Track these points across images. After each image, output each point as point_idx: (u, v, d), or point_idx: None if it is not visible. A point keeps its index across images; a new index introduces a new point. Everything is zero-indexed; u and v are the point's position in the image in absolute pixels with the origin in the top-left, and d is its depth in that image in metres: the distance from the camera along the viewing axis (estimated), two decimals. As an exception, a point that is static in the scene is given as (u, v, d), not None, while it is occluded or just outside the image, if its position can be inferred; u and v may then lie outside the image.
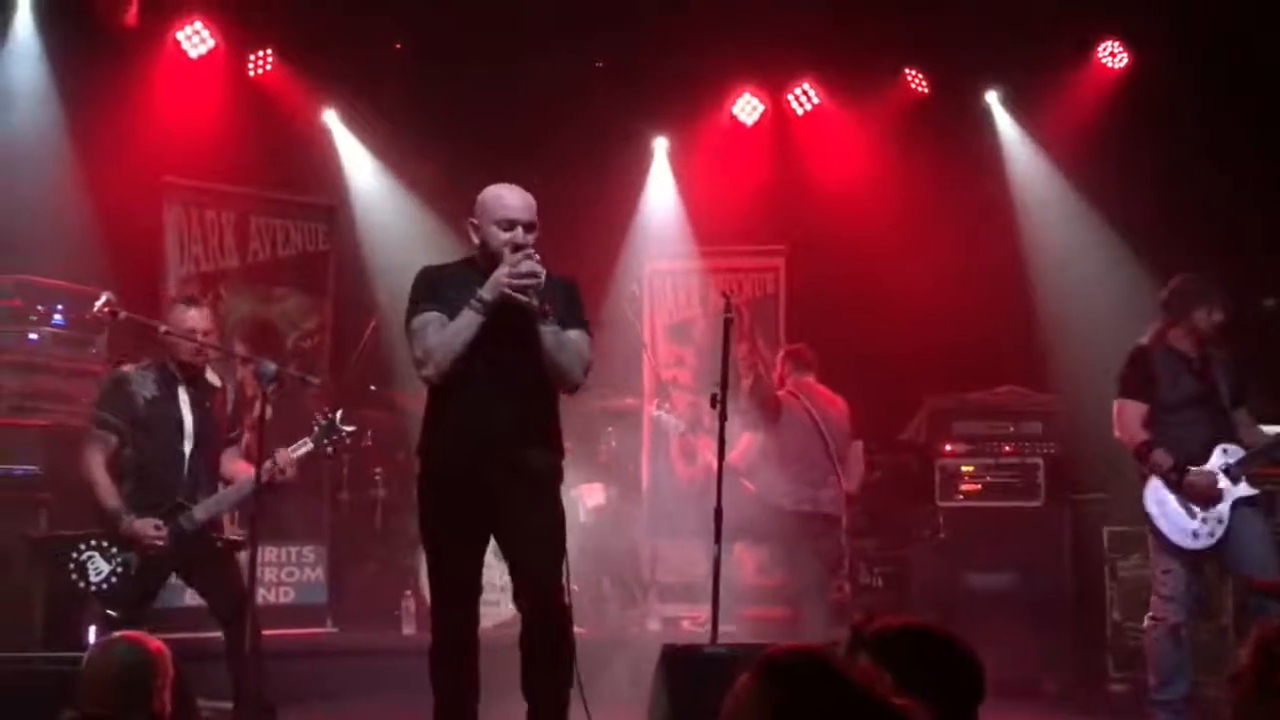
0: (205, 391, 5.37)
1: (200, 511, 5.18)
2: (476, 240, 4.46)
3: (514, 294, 4.25)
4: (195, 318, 5.30)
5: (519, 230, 4.36)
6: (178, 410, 5.27)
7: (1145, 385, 5.66)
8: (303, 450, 5.32)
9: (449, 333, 4.36)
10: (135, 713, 3.23)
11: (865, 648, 2.58)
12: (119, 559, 5.09)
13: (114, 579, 5.07)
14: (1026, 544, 7.19)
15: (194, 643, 5.27)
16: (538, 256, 4.28)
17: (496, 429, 4.35)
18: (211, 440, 5.34)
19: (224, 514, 5.47)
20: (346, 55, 8.33)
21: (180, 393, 5.29)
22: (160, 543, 5.10)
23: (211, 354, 5.47)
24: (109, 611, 4.97)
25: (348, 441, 5.44)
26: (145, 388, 5.26)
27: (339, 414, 5.39)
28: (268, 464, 5.14)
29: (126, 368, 5.38)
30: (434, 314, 4.38)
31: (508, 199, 4.43)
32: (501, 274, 4.27)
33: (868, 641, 2.60)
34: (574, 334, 4.47)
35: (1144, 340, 5.79)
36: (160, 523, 5.11)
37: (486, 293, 4.27)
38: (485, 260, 4.43)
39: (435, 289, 4.44)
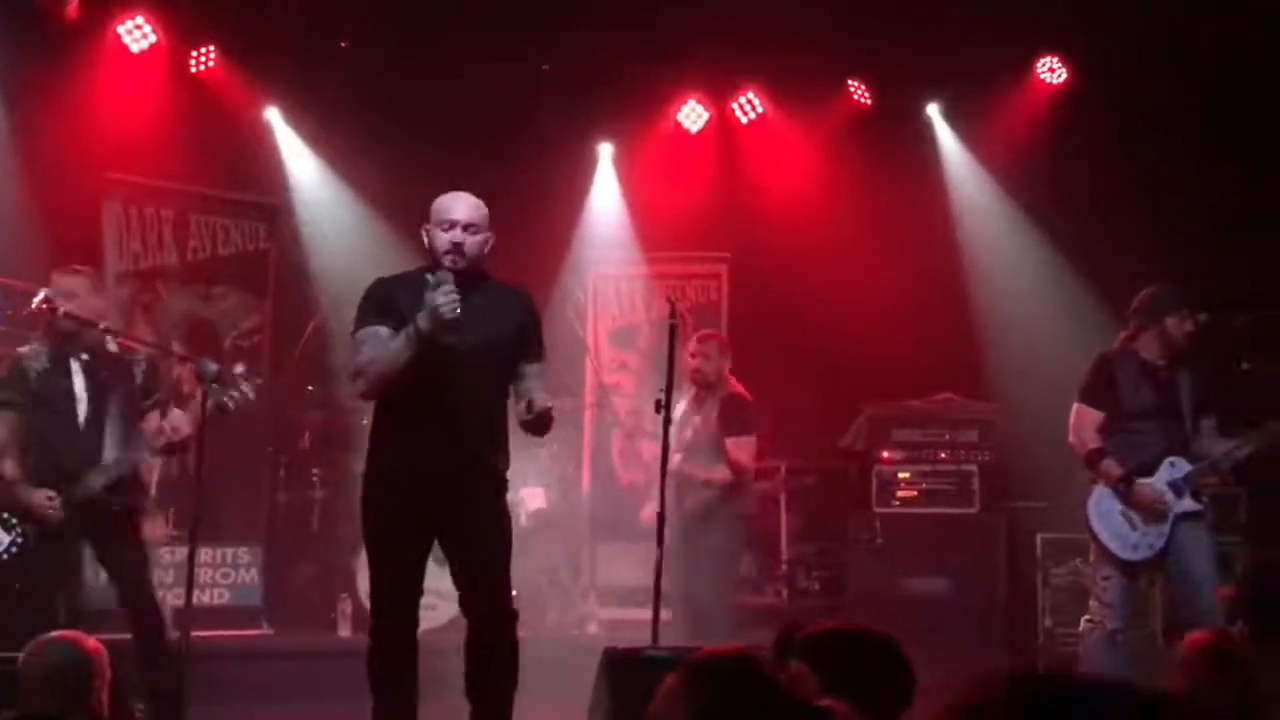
0: (102, 361, 5.37)
1: (93, 478, 5.17)
2: (427, 246, 4.50)
3: (443, 330, 4.26)
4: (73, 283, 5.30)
5: (457, 230, 4.41)
6: (69, 381, 5.29)
7: (1105, 392, 5.71)
8: (194, 408, 5.29)
9: (383, 357, 4.38)
10: (74, 713, 3.20)
11: (796, 651, 2.62)
12: (18, 529, 5.12)
13: (14, 549, 5.10)
14: (961, 550, 7.30)
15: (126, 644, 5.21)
16: (448, 285, 4.24)
17: (443, 451, 4.37)
18: (108, 409, 5.32)
19: (123, 477, 5.32)
20: (290, 53, 8.26)
21: (72, 364, 5.30)
22: (52, 512, 5.11)
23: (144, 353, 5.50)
24: (16, 585, 5.05)
25: (250, 398, 5.36)
26: (37, 362, 5.29)
27: (239, 368, 5.39)
28: (164, 425, 5.23)
29: (23, 349, 5.40)
30: (374, 330, 4.41)
31: (450, 203, 4.49)
32: (430, 307, 4.24)
33: (799, 645, 2.65)
34: (536, 383, 4.50)
35: (1110, 347, 5.85)
36: (53, 493, 5.13)
37: (423, 322, 4.26)
38: (432, 270, 4.45)
39: (387, 300, 4.45)
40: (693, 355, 6.56)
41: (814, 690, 2.07)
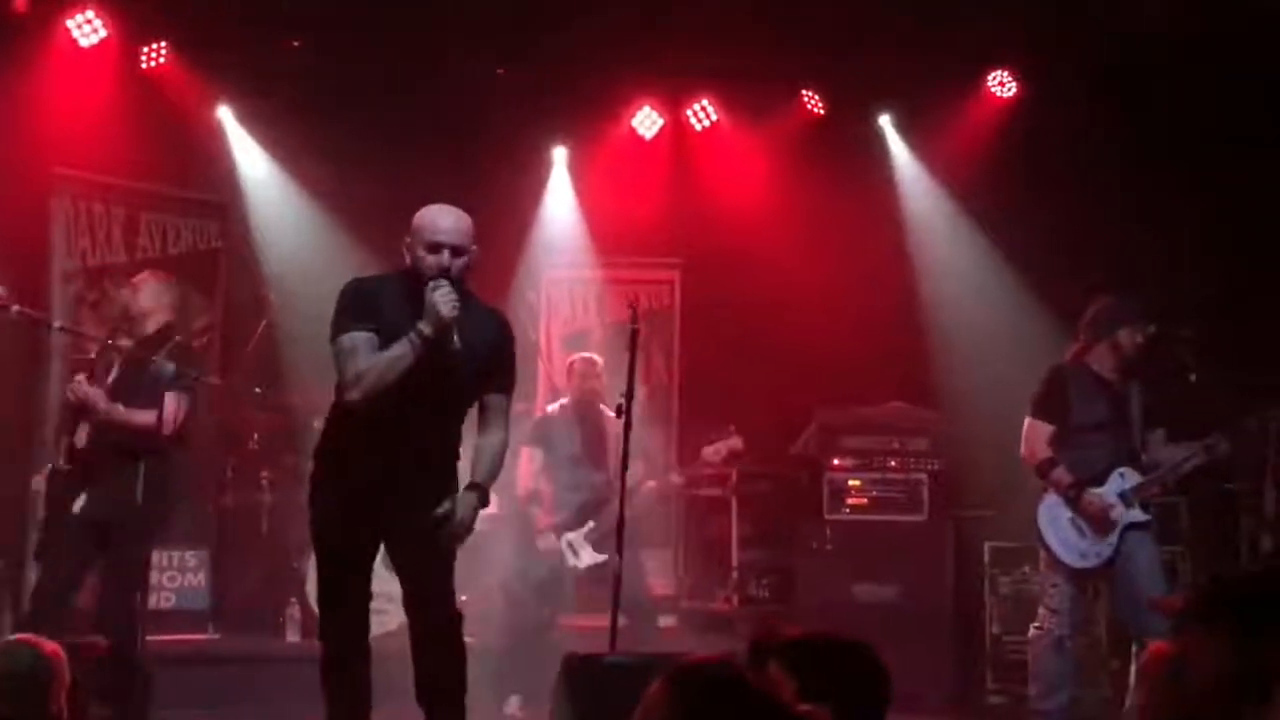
0: None
1: None
2: (409, 260, 4.42)
3: (444, 331, 4.23)
4: None
5: (445, 254, 4.32)
6: None
7: (1057, 405, 5.80)
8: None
9: (385, 361, 4.30)
10: (31, 717, 3.16)
11: (772, 656, 2.64)
12: None
13: None
14: (910, 557, 7.35)
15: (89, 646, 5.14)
16: (446, 288, 4.23)
17: (399, 459, 4.35)
18: None
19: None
20: (242, 51, 8.18)
21: None
22: None
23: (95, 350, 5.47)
24: None
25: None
26: None
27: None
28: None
29: None
30: (366, 335, 4.32)
31: (439, 221, 4.38)
32: (432, 311, 4.22)
33: (774, 650, 2.66)
34: (499, 417, 4.51)
35: (1062, 359, 5.94)
36: None
37: (426, 327, 4.23)
38: (414, 280, 4.37)
39: (368, 306, 4.37)
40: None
41: (792, 697, 2.09)
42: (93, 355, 5.75)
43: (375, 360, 4.30)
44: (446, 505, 4.33)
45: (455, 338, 4.27)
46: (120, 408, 5.49)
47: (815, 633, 2.69)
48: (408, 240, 4.42)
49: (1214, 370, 5.66)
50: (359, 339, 4.33)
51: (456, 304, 4.23)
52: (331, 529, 4.48)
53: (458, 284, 4.32)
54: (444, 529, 4.34)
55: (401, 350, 4.27)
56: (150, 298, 5.74)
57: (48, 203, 7.51)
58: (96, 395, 5.47)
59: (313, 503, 4.54)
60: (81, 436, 5.50)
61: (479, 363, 4.42)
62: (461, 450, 4.56)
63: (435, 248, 4.33)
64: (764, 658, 2.58)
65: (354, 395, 4.31)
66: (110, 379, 5.61)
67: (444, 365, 4.29)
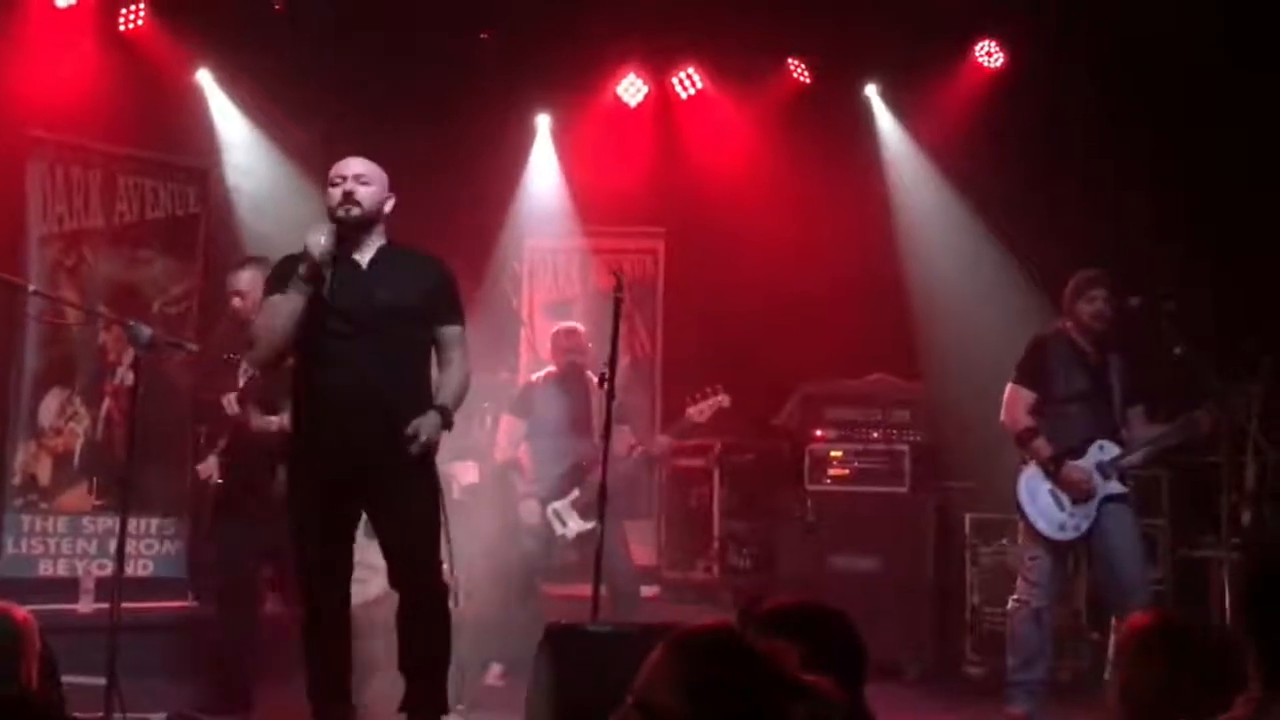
0: None
1: None
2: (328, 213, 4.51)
3: (317, 271, 4.31)
4: None
5: (349, 181, 4.44)
6: None
7: (1038, 374, 5.83)
8: None
9: (265, 311, 4.44)
10: (2, 684, 3.12)
11: (756, 626, 2.62)
12: None
13: None
14: (891, 529, 7.37)
15: (54, 614, 5.11)
16: (321, 226, 4.37)
17: (361, 421, 4.36)
18: None
19: None
20: (222, 14, 8.07)
21: None
22: None
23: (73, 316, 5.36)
24: None
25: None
26: None
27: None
28: None
29: None
30: (270, 299, 4.45)
31: (342, 163, 4.52)
32: (305, 249, 4.32)
33: (759, 620, 2.65)
34: (455, 351, 4.58)
35: (1045, 330, 5.95)
36: None
37: (301, 267, 4.33)
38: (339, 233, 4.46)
39: (286, 273, 4.44)
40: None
41: (796, 664, 2.08)
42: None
43: (261, 315, 4.48)
44: (413, 427, 4.38)
45: (330, 276, 4.35)
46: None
47: (799, 602, 2.67)
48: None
49: (1196, 342, 5.65)
50: (265, 305, 4.49)
51: (326, 241, 4.31)
52: (309, 497, 4.49)
53: (361, 223, 4.43)
54: (413, 447, 4.39)
55: (280, 298, 4.37)
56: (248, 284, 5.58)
57: (24, 166, 7.40)
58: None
59: (290, 472, 4.57)
60: None
61: (414, 309, 4.49)
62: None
63: (339, 179, 4.46)
64: (747, 627, 2.57)
65: (252, 356, 4.54)
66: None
67: (376, 316, 4.38)
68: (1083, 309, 5.81)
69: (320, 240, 4.31)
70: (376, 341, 4.37)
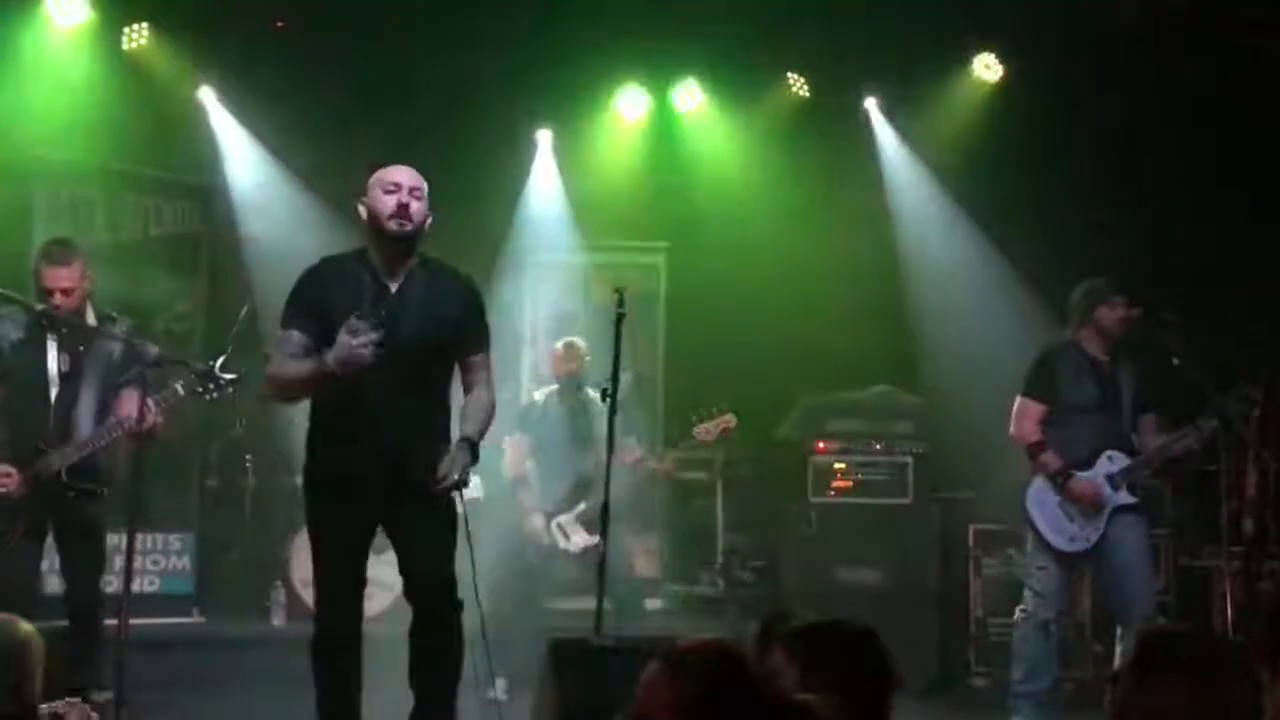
0: (79, 335, 5.20)
1: (57, 458, 5.04)
2: (365, 217, 4.37)
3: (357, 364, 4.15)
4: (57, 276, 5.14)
5: (403, 192, 4.29)
6: (43, 355, 5.13)
7: (1047, 385, 5.78)
8: (171, 395, 5.07)
9: (286, 378, 4.34)
10: (4, 700, 3.10)
11: (777, 641, 2.63)
12: None
13: None
14: (894, 540, 7.35)
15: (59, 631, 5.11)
16: (363, 332, 4.12)
17: (385, 430, 4.29)
18: (84, 386, 5.17)
19: (86, 456, 5.12)
20: (225, 32, 8.12)
21: (48, 338, 5.15)
22: (5, 488, 4.97)
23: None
24: None
25: (230, 390, 5.13)
26: (11, 331, 5.14)
27: (219, 361, 5.10)
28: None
29: None
30: (294, 334, 4.32)
31: (393, 169, 4.37)
32: (342, 348, 4.12)
33: (781, 636, 2.65)
34: (480, 375, 4.50)
35: (1053, 341, 5.93)
36: (11, 469, 5.00)
37: (332, 362, 4.15)
38: (374, 244, 4.36)
39: (316, 299, 4.33)
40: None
41: (793, 683, 2.09)
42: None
43: (284, 369, 4.33)
44: (443, 465, 4.29)
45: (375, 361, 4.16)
46: None
47: (822, 622, 2.67)
48: (362, 199, 4.37)
49: (1197, 351, 5.65)
50: (285, 338, 4.34)
51: (370, 350, 4.11)
52: (326, 515, 4.45)
53: (411, 240, 4.31)
54: (443, 487, 4.30)
55: (307, 374, 4.26)
56: None
57: (29, 185, 7.44)
58: None
59: (307, 490, 4.53)
60: None
61: (438, 339, 4.39)
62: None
63: (393, 187, 4.31)
64: (769, 641, 2.57)
65: (265, 391, 4.47)
66: None
67: (394, 351, 4.20)
68: (1105, 315, 5.74)
69: (369, 352, 4.11)
70: (399, 370, 4.25)
